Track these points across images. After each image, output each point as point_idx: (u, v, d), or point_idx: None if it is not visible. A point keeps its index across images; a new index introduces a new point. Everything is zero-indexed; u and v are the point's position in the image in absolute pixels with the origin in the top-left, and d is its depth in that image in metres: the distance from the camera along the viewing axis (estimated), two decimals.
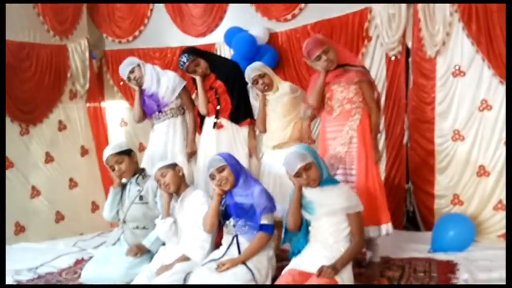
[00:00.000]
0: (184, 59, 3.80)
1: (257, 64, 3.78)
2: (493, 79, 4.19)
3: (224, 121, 3.86)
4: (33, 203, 4.95)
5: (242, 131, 3.88)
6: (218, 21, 5.51)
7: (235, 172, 3.00)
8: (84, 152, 5.49)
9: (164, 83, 3.94)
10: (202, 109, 3.92)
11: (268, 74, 3.71)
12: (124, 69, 3.94)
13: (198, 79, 3.85)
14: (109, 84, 5.90)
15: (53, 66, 5.23)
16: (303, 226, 2.90)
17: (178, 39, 5.67)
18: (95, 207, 5.40)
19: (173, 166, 3.28)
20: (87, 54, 5.52)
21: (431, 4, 4.40)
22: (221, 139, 3.86)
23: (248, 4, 5.34)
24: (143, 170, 3.65)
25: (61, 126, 5.34)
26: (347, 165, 3.38)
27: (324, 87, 3.45)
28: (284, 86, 3.73)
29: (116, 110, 5.92)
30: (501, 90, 4.16)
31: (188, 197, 3.25)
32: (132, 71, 3.91)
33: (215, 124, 3.87)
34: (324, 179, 2.86)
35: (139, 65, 3.93)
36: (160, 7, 5.75)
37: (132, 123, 5.78)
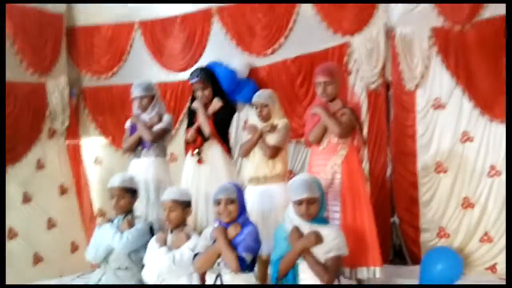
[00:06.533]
0: (196, 75, 3.79)
1: (265, 93, 3.71)
2: (473, 111, 4.26)
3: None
4: (9, 245, 4.75)
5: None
6: (198, 57, 5.48)
7: (240, 209, 2.90)
8: (63, 191, 5.35)
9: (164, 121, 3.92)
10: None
11: (269, 106, 3.59)
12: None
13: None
14: (84, 122, 5.77)
15: (31, 104, 5.14)
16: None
17: (158, 74, 5.57)
18: (74, 247, 5.23)
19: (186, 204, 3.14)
20: (67, 92, 5.44)
21: (409, 38, 4.47)
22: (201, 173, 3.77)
23: (228, 39, 5.34)
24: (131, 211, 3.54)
25: (39, 165, 5.21)
26: (329, 201, 3.25)
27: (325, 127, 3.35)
28: (280, 123, 3.61)
29: (91, 148, 5.79)
30: (482, 121, 4.23)
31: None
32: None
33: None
34: (318, 217, 2.79)
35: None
36: (139, 42, 5.69)
37: (106, 161, 5.67)
